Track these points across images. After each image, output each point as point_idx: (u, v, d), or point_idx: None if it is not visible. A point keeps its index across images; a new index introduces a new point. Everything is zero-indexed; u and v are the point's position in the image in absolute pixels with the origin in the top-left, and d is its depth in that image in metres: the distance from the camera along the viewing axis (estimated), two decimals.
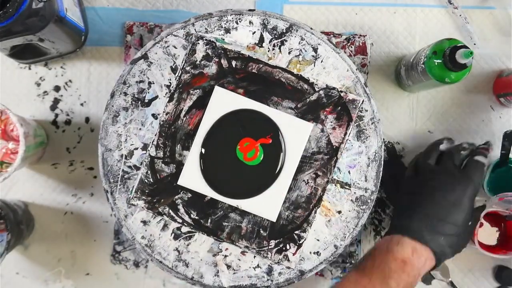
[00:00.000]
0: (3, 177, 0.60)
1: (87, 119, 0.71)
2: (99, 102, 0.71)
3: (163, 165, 0.58)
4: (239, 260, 0.59)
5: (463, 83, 0.73)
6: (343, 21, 0.73)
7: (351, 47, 0.72)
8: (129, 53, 0.71)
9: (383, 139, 0.62)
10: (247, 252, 0.59)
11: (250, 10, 0.60)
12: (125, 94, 0.59)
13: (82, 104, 0.71)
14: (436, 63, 0.60)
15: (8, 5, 0.53)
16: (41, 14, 0.55)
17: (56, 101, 0.71)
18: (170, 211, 0.58)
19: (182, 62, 0.58)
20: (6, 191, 0.70)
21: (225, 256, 0.59)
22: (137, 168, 0.59)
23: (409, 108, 0.73)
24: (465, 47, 0.58)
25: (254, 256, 0.59)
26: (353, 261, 0.71)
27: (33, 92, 0.71)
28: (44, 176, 0.71)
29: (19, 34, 0.56)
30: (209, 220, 0.59)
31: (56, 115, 0.71)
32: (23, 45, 0.62)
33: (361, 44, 0.72)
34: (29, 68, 0.71)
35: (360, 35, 0.72)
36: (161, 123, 0.58)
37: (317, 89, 0.59)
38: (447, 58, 0.58)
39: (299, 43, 0.59)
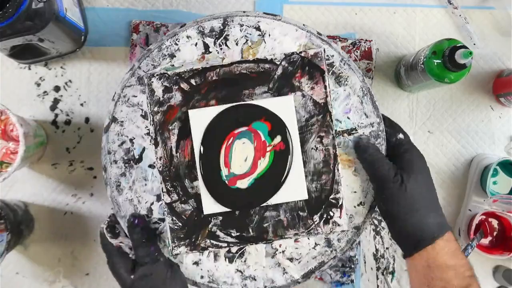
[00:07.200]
0: (3, 177, 0.60)
1: (87, 119, 0.71)
2: (99, 102, 0.71)
3: (182, 205, 0.58)
4: (297, 248, 0.59)
5: (463, 83, 0.73)
6: (343, 21, 0.73)
7: (357, 52, 0.72)
8: (134, 51, 0.71)
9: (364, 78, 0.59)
10: (299, 238, 0.59)
11: (181, 26, 0.59)
12: (115, 162, 0.58)
13: (82, 104, 0.71)
14: (435, 63, 0.60)
15: (8, 5, 0.53)
16: (41, 14, 0.55)
17: (56, 101, 0.71)
18: (212, 241, 0.58)
19: (148, 106, 0.58)
20: (6, 191, 0.71)
21: (283, 251, 0.59)
22: (163, 220, 0.58)
23: (409, 108, 0.73)
24: (464, 47, 0.58)
25: (308, 238, 0.59)
26: (352, 266, 0.71)
27: (33, 92, 0.71)
28: (44, 176, 0.71)
29: (19, 34, 0.56)
30: (250, 230, 0.58)
31: (56, 115, 0.71)
32: (23, 45, 0.62)
33: (366, 49, 0.72)
34: (29, 68, 0.71)
35: (366, 40, 0.72)
36: (160, 169, 0.58)
37: (278, 63, 0.58)
38: (447, 58, 0.58)
39: (240, 30, 0.59)
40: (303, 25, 0.59)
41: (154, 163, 0.58)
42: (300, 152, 0.58)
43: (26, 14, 0.54)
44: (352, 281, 0.71)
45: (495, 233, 0.70)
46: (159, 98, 0.58)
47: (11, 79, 0.71)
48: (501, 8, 0.73)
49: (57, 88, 0.72)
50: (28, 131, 0.62)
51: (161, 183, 0.58)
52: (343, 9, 0.73)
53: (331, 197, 0.58)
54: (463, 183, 0.73)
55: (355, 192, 0.59)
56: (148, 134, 0.58)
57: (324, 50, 0.58)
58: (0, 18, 0.53)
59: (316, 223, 0.58)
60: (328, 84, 0.58)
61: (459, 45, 0.58)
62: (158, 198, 0.58)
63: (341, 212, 0.58)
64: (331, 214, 0.58)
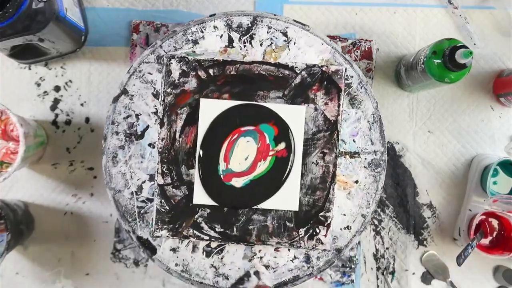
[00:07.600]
0: (3, 177, 0.60)
1: (87, 119, 0.71)
2: (99, 102, 0.71)
3: (174, 189, 0.58)
4: (275, 257, 0.59)
5: (463, 83, 0.73)
6: (343, 21, 0.73)
7: (357, 51, 0.72)
8: (134, 51, 0.71)
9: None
10: (280, 247, 0.59)
11: (211, 15, 0.59)
12: (117, 133, 0.58)
13: (82, 104, 0.71)
14: (435, 63, 0.60)
15: (8, 5, 0.53)
16: (41, 14, 0.55)
17: (56, 101, 0.71)
18: (195, 231, 0.58)
19: (162, 86, 0.58)
20: (6, 191, 0.71)
21: (261, 257, 0.59)
22: (151, 200, 0.58)
23: (409, 108, 0.73)
24: (464, 47, 0.58)
25: (289, 249, 0.59)
26: (352, 266, 0.71)
27: (33, 92, 0.71)
28: (44, 176, 0.71)
29: (19, 34, 0.56)
30: (235, 229, 0.58)
31: (56, 115, 0.71)
32: (23, 45, 0.62)
33: (366, 49, 0.72)
34: (29, 68, 0.71)
35: (366, 40, 0.72)
36: (160, 150, 0.58)
37: (298, 71, 0.58)
38: (447, 58, 0.58)
39: (267, 32, 0.59)
40: (330, 40, 0.59)
41: (155, 142, 0.58)
42: (301, 163, 0.58)
43: (26, 14, 0.54)
44: (352, 281, 0.71)
45: (495, 233, 0.70)
46: (175, 80, 0.58)
47: (11, 79, 0.71)
48: (501, 8, 0.73)
49: (57, 88, 0.72)
50: (28, 131, 0.62)
51: (157, 164, 0.58)
52: (343, 9, 0.73)
53: (320, 214, 0.58)
54: (463, 183, 0.72)
55: (344, 215, 0.59)
56: (155, 113, 0.58)
57: (346, 69, 0.58)
58: (1, 18, 0.53)
59: (300, 236, 0.58)
60: (342, 104, 0.58)
61: (459, 45, 0.58)
62: (151, 178, 0.58)
63: (327, 231, 0.58)
64: (317, 231, 0.58)
